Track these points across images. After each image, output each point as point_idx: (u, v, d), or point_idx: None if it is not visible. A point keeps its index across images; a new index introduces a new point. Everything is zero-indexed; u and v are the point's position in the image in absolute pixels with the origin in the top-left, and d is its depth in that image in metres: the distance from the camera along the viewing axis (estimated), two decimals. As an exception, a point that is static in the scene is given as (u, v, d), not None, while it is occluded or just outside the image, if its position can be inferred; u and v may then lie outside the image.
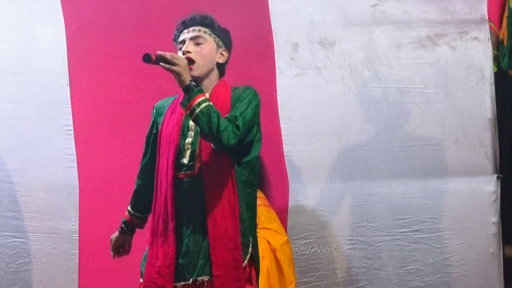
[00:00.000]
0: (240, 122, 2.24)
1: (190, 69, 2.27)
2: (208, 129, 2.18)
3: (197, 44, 2.35)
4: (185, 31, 2.38)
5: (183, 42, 2.37)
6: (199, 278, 2.30)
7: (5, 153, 3.39)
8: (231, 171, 2.33)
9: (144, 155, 2.53)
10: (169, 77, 3.23)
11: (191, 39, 2.36)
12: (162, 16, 3.39)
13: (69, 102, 3.38)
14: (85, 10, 3.41)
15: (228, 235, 2.30)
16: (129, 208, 2.58)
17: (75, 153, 3.38)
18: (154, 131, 2.48)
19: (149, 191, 2.44)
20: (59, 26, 3.37)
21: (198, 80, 2.31)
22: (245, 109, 2.29)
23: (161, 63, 2.18)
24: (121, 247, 2.62)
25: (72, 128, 3.38)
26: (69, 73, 3.39)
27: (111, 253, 2.62)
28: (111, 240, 2.62)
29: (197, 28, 2.37)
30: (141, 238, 2.59)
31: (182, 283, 2.31)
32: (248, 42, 3.33)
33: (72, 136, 3.38)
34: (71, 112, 3.38)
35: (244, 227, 2.34)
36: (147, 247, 2.42)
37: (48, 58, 3.40)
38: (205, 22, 2.39)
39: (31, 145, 3.39)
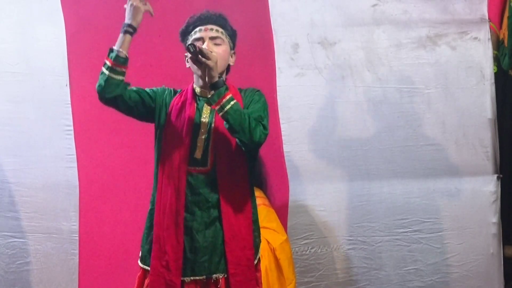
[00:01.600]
0: (265, 122, 2.31)
1: None
2: (239, 126, 2.22)
3: (216, 44, 2.36)
4: (202, 28, 2.38)
5: (201, 39, 2.37)
6: (214, 276, 2.33)
7: (5, 153, 3.39)
8: (245, 170, 2.38)
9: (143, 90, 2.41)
10: (168, 77, 3.25)
11: (211, 38, 2.36)
12: (162, 16, 3.38)
13: (69, 102, 3.38)
14: (85, 10, 3.41)
15: (242, 235, 2.35)
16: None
17: (75, 153, 3.38)
18: (156, 103, 2.42)
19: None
20: (59, 26, 3.37)
21: None
22: (264, 112, 2.34)
23: (199, 56, 2.20)
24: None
25: (72, 128, 3.38)
26: (69, 73, 3.39)
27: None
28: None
29: (215, 27, 2.39)
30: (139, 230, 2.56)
31: (192, 278, 2.32)
32: (248, 42, 3.32)
33: (72, 136, 3.38)
34: (71, 112, 3.38)
35: (255, 228, 2.39)
36: (145, 231, 2.43)
37: (48, 58, 3.40)
38: (221, 22, 2.41)
39: (31, 145, 3.39)
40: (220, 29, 2.39)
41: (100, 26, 3.41)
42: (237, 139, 2.28)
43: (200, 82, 2.40)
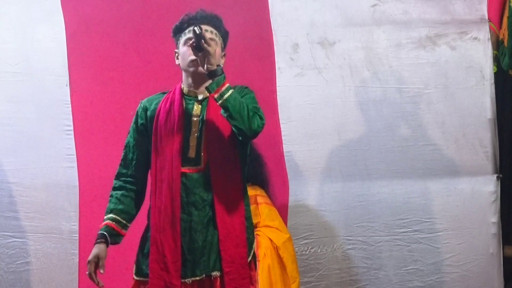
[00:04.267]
0: (261, 113, 2.31)
1: None
2: (238, 114, 2.22)
3: None
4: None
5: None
6: (213, 274, 2.33)
7: (5, 153, 3.40)
8: (238, 167, 2.37)
9: (131, 158, 2.46)
10: (169, 77, 3.25)
11: None
12: (162, 16, 3.39)
13: (69, 102, 3.38)
14: (85, 10, 3.41)
15: (236, 232, 2.34)
16: (111, 215, 2.41)
17: (75, 153, 3.38)
18: (140, 129, 2.44)
19: (140, 198, 2.45)
20: (59, 26, 3.37)
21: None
22: (257, 104, 2.35)
23: (201, 40, 2.20)
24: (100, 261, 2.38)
25: (72, 128, 3.38)
26: (69, 73, 3.39)
27: (91, 269, 2.38)
28: (96, 255, 2.41)
29: (209, 28, 2.38)
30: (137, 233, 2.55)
31: (192, 279, 2.32)
32: (248, 42, 3.33)
33: (72, 136, 3.38)
34: (71, 112, 3.38)
35: (248, 225, 2.38)
36: (140, 242, 2.43)
37: (48, 58, 3.40)
38: (216, 23, 2.42)
39: (31, 145, 3.39)
40: (214, 31, 2.40)
41: (100, 26, 3.42)
42: (234, 128, 2.26)
43: (189, 80, 2.39)
